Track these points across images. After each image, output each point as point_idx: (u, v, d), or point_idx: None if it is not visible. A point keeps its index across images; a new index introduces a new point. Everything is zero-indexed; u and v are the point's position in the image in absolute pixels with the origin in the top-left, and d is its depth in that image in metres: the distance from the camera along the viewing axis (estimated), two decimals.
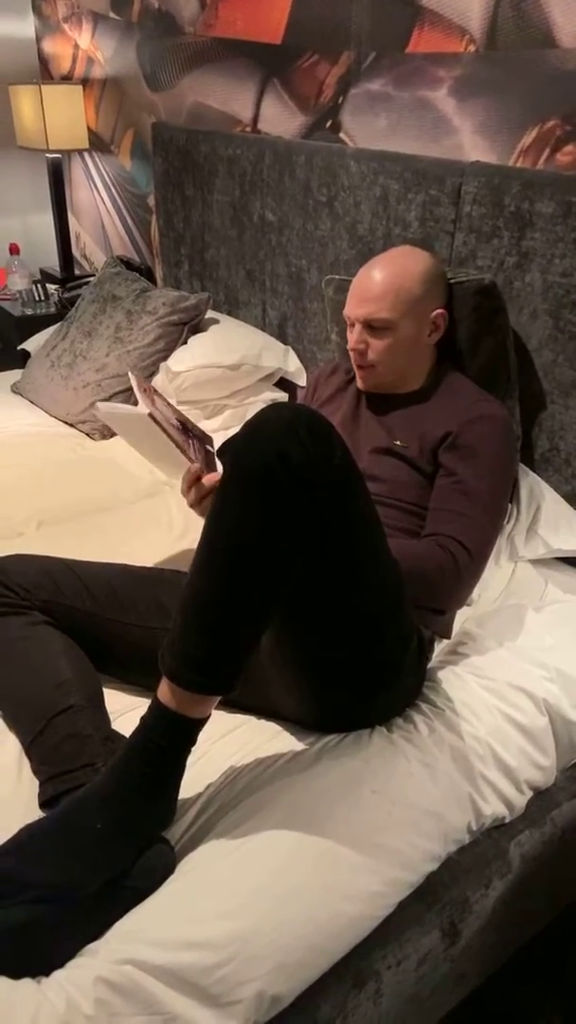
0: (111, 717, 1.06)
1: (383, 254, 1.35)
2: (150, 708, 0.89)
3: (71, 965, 0.80)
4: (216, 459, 0.97)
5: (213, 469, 1.16)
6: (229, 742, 1.06)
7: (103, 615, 1.14)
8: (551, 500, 1.41)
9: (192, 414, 1.98)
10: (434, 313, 1.33)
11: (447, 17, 1.54)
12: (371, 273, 1.30)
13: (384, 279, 1.28)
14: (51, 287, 2.90)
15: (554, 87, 1.39)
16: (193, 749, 0.91)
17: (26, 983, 0.78)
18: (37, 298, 2.79)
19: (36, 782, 0.98)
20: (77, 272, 3.10)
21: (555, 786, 1.12)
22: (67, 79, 2.94)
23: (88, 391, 2.05)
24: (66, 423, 2.08)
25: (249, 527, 0.83)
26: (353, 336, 1.32)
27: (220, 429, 1.99)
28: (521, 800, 1.06)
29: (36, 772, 0.99)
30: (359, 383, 1.37)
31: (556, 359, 1.41)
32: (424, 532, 1.21)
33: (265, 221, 2.01)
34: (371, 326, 1.30)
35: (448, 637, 1.23)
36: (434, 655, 1.21)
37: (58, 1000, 0.75)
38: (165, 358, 2.03)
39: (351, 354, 1.34)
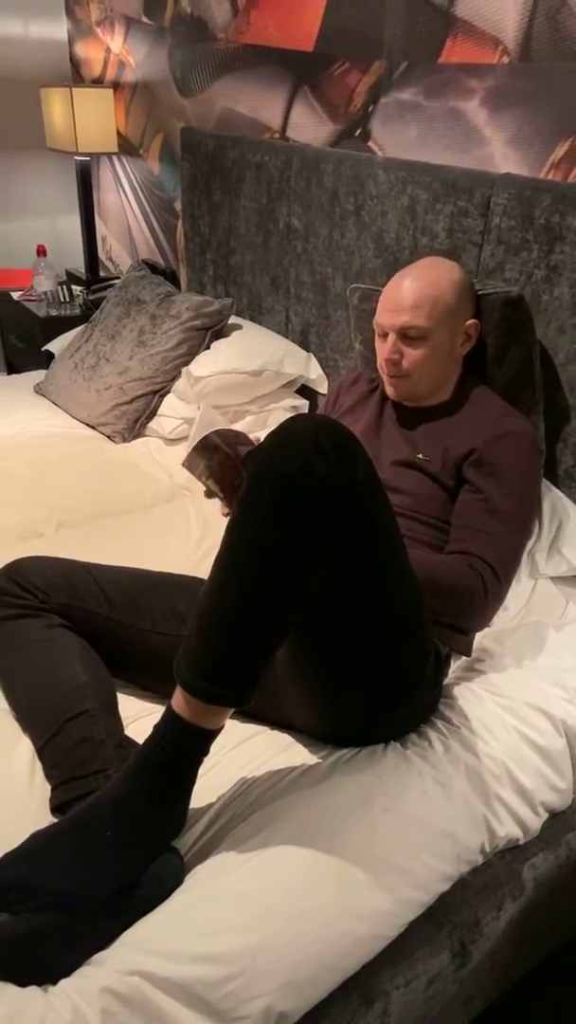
0: (124, 722, 1.06)
1: (413, 265, 1.34)
2: (163, 717, 0.88)
3: (78, 974, 0.79)
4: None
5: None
6: (242, 752, 1.05)
7: (119, 620, 1.14)
8: (575, 517, 1.39)
9: None
10: (467, 323, 1.32)
11: (480, 28, 1.53)
12: (404, 283, 1.29)
13: (419, 289, 1.27)
14: (76, 289, 2.91)
15: None
16: (205, 759, 0.90)
17: (33, 991, 0.77)
18: (62, 299, 2.80)
19: (48, 787, 0.98)
20: (102, 274, 3.11)
21: (571, 809, 1.10)
22: (98, 82, 2.96)
23: (110, 394, 2.06)
24: (88, 425, 2.09)
25: (270, 539, 0.83)
26: (387, 346, 1.30)
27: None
28: (536, 822, 1.04)
29: (48, 776, 0.99)
30: (390, 393, 1.36)
31: None
32: (449, 548, 1.20)
33: (291, 228, 2.01)
34: (406, 336, 1.28)
35: (468, 655, 1.21)
36: (450, 671, 1.20)
37: (64, 1009, 0.75)
38: (187, 363, 2.04)
39: (384, 364, 1.32)
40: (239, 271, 2.27)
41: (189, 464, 1.07)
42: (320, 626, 0.93)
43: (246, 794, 0.99)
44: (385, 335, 1.31)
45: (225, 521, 1.04)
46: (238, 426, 2.01)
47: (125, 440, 2.03)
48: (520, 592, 1.38)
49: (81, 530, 1.60)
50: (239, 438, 1.06)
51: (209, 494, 1.09)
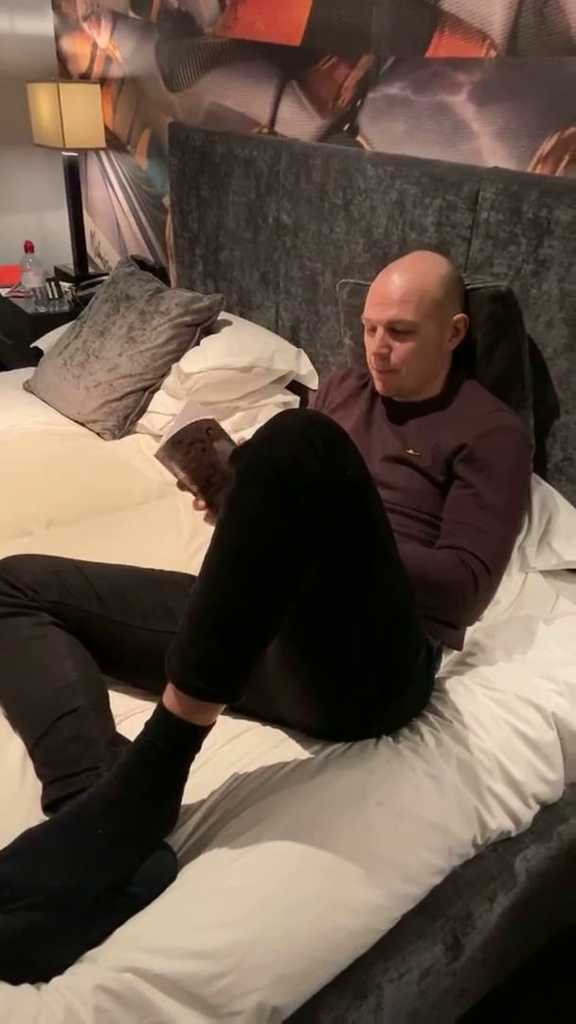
0: (116, 719, 1.06)
1: (401, 259, 1.34)
2: (155, 713, 0.88)
3: (71, 972, 0.79)
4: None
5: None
6: (233, 748, 1.05)
7: (110, 617, 1.14)
8: (564, 511, 1.40)
9: None
10: (455, 317, 1.32)
11: (468, 22, 1.53)
12: (392, 277, 1.29)
13: (406, 283, 1.28)
14: (65, 285, 2.90)
15: (575, 94, 1.38)
16: (197, 755, 0.90)
17: (25, 989, 0.77)
18: (51, 296, 2.79)
19: (39, 785, 0.97)
20: (91, 271, 3.10)
21: (562, 801, 1.11)
22: (85, 78, 2.94)
23: (100, 391, 2.05)
24: (77, 422, 2.08)
25: (259, 535, 0.82)
26: (375, 340, 1.31)
27: (231, 432, 1.98)
28: (528, 815, 1.05)
29: (39, 774, 0.98)
30: (379, 388, 1.36)
31: (572, 368, 1.40)
32: (440, 543, 1.20)
33: (280, 223, 2.01)
34: (394, 330, 1.29)
35: (459, 649, 1.21)
36: (442, 665, 1.20)
37: (57, 1007, 0.75)
38: (177, 359, 2.03)
39: (373, 359, 1.32)
40: (228, 267, 2.27)
41: (161, 455, 1.06)
42: (311, 622, 0.93)
43: (238, 790, 0.99)
44: (373, 330, 1.31)
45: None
46: (227, 423, 2.01)
47: (115, 437, 2.03)
48: (511, 586, 1.38)
49: (71, 528, 1.59)
50: (218, 430, 1.05)
51: (181, 486, 1.08)
